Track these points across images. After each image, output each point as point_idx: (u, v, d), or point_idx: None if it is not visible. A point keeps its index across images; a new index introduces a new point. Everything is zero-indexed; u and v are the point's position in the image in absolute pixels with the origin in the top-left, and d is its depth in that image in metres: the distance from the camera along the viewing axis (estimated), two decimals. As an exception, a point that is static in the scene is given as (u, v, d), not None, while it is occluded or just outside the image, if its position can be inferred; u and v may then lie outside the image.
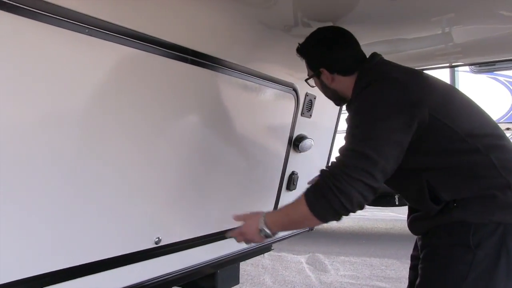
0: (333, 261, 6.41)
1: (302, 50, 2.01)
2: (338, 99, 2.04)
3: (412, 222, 1.86)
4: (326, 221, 1.63)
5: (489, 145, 1.65)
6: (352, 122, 1.68)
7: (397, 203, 8.49)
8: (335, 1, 1.94)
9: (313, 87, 2.14)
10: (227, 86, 2.20)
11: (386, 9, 1.97)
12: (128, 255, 1.83)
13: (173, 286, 2.28)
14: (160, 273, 2.04)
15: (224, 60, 2.08)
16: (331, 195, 1.53)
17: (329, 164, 1.69)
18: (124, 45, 1.59)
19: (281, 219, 1.76)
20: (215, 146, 2.23)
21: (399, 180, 1.72)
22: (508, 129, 11.58)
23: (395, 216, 10.76)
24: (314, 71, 1.97)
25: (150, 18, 1.67)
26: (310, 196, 1.61)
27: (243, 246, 2.66)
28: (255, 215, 1.79)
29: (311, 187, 1.65)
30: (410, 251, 2.13)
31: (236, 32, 2.14)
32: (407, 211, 1.96)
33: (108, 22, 1.50)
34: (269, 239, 1.80)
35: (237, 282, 2.92)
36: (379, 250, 7.02)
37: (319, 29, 1.98)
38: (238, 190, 2.47)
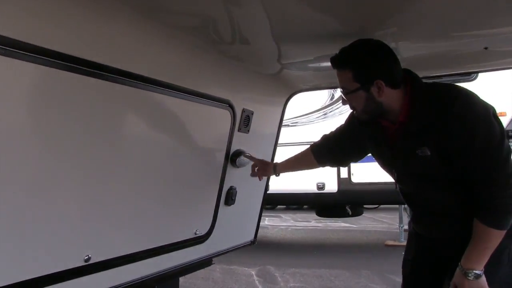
0: (283, 273, 6.46)
1: (349, 61, 1.95)
2: (377, 114, 2.00)
3: (452, 225, 2.07)
4: None
5: None
6: (484, 141, 1.81)
7: (349, 214, 8.67)
8: (276, 20, 1.99)
9: (344, 102, 2.08)
10: (162, 104, 2.23)
11: (330, 24, 2.04)
12: (54, 274, 1.80)
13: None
14: (90, 292, 2.02)
15: (157, 80, 2.11)
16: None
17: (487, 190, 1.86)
18: (67, 70, 1.65)
19: (483, 256, 1.89)
20: (150, 162, 2.24)
21: (451, 187, 1.98)
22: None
23: (348, 227, 10.97)
24: (365, 83, 1.91)
25: (79, 39, 1.70)
26: (500, 223, 1.84)
27: (182, 260, 2.68)
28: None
29: (486, 216, 1.86)
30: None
31: (170, 53, 2.18)
32: (422, 221, 2.25)
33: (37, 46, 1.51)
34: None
35: (177, 297, 2.93)
36: (330, 261, 7.13)
37: (365, 41, 1.96)
38: (174, 205, 2.48)
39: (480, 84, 8.03)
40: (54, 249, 1.80)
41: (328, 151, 2.47)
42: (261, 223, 11.61)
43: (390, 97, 1.93)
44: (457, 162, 1.87)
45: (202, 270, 5.77)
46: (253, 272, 6.55)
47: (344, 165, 2.55)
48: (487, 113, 1.83)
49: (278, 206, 16.55)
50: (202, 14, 1.93)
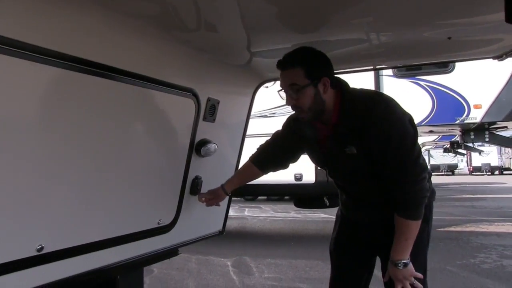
0: (258, 264, 6.48)
1: (301, 59, 2.10)
2: (319, 113, 2.17)
3: (373, 211, 2.38)
4: None
5: None
6: (398, 143, 2.07)
7: (327, 204, 8.70)
8: (251, 7, 1.96)
9: (290, 101, 2.16)
10: (122, 93, 2.18)
11: (305, 11, 2.02)
12: (4, 264, 1.75)
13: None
14: (43, 282, 1.97)
15: (119, 69, 2.07)
16: (423, 200, 2.13)
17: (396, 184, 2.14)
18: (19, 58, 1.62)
19: (406, 247, 2.17)
20: (111, 151, 2.21)
21: (374, 181, 2.22)
22: (431, 131, 12.12)
23: (327, 218, 11.03)
24: (314, 79, 2.09)
25: (28, 26, 1.65)
26: (414, 214, 2.14)
27: (145, 250, 2.65)
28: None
29: (402, 211, 2.15)
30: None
31: (129, 41, 2.13)
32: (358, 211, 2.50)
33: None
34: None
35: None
36: (306, 252, 7.17)
37: (307, 47, 2.16)
38: (135, 195, 2.44)
39: (457, 76, 8.14)
40: (4, 238, 1.75)
41: (268, 157, 2.67)
42: (240, 214, 11.69)
43: (331, 97, 2.15)
44: (377, 160, 2.12)
45: (177, 261, 5.80)
46: (228, 263, 6.55)
47: (284, 167, 2.70)
48: (403, 119, 2.10)
49: (259, 197, 16.63)
50: (163, 1, 1.89)
